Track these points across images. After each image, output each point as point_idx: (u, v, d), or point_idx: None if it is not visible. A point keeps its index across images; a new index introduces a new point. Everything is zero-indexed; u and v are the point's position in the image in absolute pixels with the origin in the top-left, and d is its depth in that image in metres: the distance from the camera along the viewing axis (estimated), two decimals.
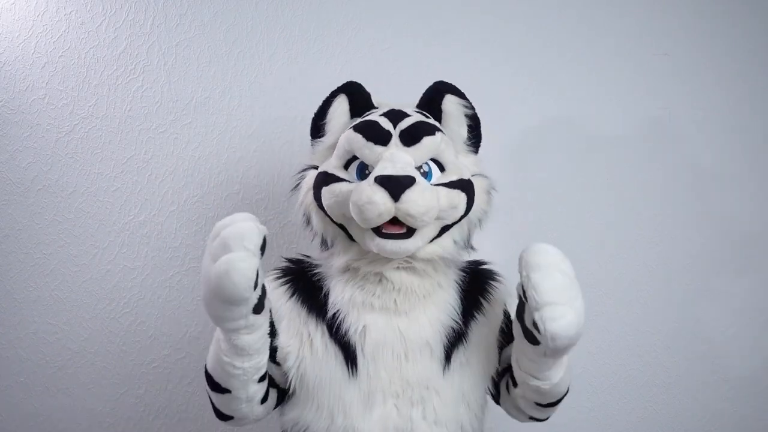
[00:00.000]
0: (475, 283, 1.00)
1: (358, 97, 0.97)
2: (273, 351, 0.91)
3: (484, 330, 0.96)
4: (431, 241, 0.92)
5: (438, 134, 0.91)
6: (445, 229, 0.93)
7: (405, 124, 0.91)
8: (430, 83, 0.98)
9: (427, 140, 0.90)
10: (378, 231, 0.87)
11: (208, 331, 1.34)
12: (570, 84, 1.48)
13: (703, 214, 1.52)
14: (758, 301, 1.54)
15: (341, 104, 0.96)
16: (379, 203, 0.83)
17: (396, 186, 0.83)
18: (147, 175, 1.34)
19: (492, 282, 1.01)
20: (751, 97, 1.55)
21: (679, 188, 1.51)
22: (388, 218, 0.84)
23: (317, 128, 0.98)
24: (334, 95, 0.98)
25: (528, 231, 1.44)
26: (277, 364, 0.92)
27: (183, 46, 1.35)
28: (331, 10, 1.40)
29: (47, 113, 1.31)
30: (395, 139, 0.89)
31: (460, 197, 0.91)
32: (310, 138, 1.00)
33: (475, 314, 0.96)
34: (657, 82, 1.52)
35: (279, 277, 0.97)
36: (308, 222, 0.97)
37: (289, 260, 1.01)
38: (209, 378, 0.90)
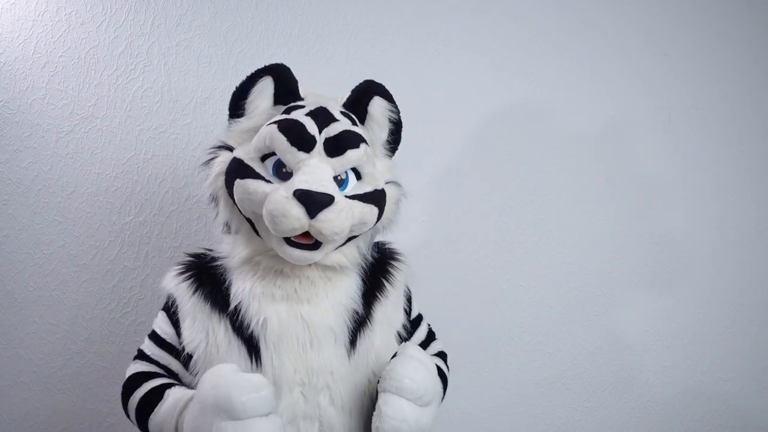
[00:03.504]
0: (378, 264, 1.00)
1: (284, 82, 0.94)
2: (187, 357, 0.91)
3: (388, 311, 0.96)
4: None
5: (362, 146, 0.90)
6: (351, 237, 0.93)
7: (331, 132, 0.89)
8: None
9: (350, 153, 0.89)
10: (287, 238, 0.87)
11: None
12: (570, 84, 1.48)
13: (704, 213, 1.52)
14: (758, 300, 1.54)
15: (266, 87, 0.93)
16: (293, 219, 0.83)
17: (314, 204, 0.83)
18: (147, 175, 1.34)
19: (394, 262, 1.01)
20: (751, 97, 1.55)
21: (678, 187, 1.51)
22: (300, 233, 0.85)
23: (237, 106, 0.94)
24: (259, 75, 0.93)
25: (528, 231, 1.45)
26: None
27: (183, 46, 1.35)
28: (331, 10, 1.40)
29: (47, 113, 1.31)
30: (319, 147, 0.88)
31: (373, 212, 0.91)
32: (228, 114, 0.96)
33: (378, 296, 0.96)
34: (657, 82, 1.52)
35: (182, 272, 0.96)
36: (214, 202, 0.95)
37: (191, 255, 1.00)
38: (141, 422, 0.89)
